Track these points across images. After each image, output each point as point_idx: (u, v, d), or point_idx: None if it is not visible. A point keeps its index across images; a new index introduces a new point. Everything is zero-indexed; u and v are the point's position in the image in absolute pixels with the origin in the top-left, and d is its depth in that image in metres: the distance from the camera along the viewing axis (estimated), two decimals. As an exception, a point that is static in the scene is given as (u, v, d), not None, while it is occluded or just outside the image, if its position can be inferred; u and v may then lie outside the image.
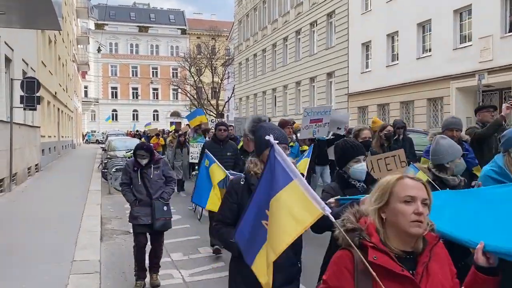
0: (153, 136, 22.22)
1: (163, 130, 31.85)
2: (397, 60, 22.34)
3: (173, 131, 20.87)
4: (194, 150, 11.75)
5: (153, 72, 78.27)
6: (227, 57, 54.74)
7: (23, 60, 15.33)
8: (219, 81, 53.94)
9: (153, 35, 78.96)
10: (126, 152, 16.71)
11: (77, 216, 9.10)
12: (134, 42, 78.11)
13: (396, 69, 22.22)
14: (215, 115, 54.32)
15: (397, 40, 22.31)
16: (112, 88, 76.90)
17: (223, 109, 55.55)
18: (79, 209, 9.90)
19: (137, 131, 37.63)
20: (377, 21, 23.40)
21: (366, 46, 24.98)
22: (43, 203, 10.76)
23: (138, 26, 78.72)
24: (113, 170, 13.90)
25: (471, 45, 17.79)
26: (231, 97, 52.86)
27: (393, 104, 22.52)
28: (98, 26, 72.06)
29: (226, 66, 53.54)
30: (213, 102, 53.88)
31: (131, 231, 6.44)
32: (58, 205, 10.47)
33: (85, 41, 53.21)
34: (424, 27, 20.64)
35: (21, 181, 14.33)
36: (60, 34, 28.34)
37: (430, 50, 20.15)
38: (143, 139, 22.90)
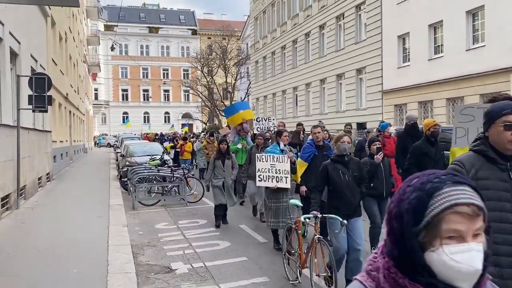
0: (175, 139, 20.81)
1: (193, 133, 30.04)
2: (441, 52, 20.22)
3: (208, 133, 19.11)
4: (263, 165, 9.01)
5: (164, 73, 76.92)
6: (239, 57, 53.05)
7: (31, 56, 13.45)
8: (233, 81, 52.15)
9: (163, 36, 77.61)
10: (151, 160, 14.72)
11: (102, 245, 7.17)
12: (144, 43, 76.76)
13: (440, 62, 20.10)
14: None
15: (441, 30, 20.19)
16: (123, 90, 75.57)
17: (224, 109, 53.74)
18: (103, 234, 7.96)
19: (156, 134, 35.46)
20: (416, 10, 21.30)
21: (403, 38, 22.89)
22: (58, 226, 8.83)
23: (148, 27, 77.37)
24: (136, 180, 11.97)
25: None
26: (245, 97, 51.05)
27: (437, 101, 20.41)
28: (108, 28, 70.46)
29: (240, 65, 51.77)
30: (227, 103, 52.18)
31: (172, 267, 6.43)
32: (77, 228, 8.54)
33: (95, 42, 51.53)
34: (474, 14, 18.53)
35: (30, 194, 12.45)
36: (71, 32, 26.55)
37: (483, 40, 18.02)
38: (169, 146, 21.24)
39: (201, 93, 54.81)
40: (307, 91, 33.06)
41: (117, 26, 64.69)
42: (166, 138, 28.29)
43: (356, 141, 12.33)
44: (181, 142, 19.27)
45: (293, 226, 5.92)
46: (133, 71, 75.41)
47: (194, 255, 7.04)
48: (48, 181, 15.84)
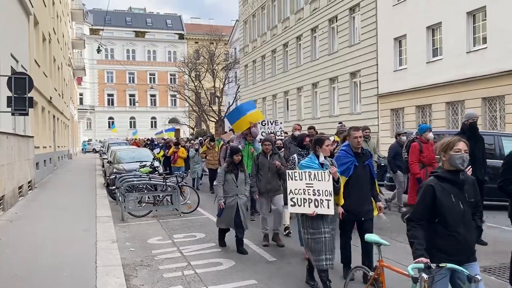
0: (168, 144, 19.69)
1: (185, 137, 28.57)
2: (440, 55, 19.64)
3: (208, 137, 17.99)
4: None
5: (150, 78, 75.94)
6: (227, 62, 52.28)
7: (11, 55, 12.49)
8: (221, 86, 51.35)
9: (150, 40, 76.69)
10: (141, 166, 13.79)
11: (89, 267, 6.27)
12: (131, 47, 75.74)
13: (439, 65, 19.53)
14: (216, 121, 51.78)
15: (440, 32, 19.63)
16: (109, 95, 74.39)
17: (225, 114, 52.99)
18: (90, 253, 7.06)
19: (148, 139, 33.50)
20: (414, 12, 20.75)
21: (399, 41, 22.31)
22: (39, 243, 7.91)
23: (134, 31, 76.35)
24: (125, 189, 11.04)
25: (542, 33, 15.15)
26: (234, 101, 50.30)
27: (436, 105, 19.80)
28: (93, 32, 69.20)
29: (228, 70, 51.05)
30: (214, 107, 51.35)
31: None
32: (61, 246, 7.62)
33: (80, 46, 50.36)
34: (475, 16, 17.99)
35: (10, 205, 11.46)
36: (55, 33, 25.53)
37: (484, 42, 17.47)
38: (160, 154, 20.03)
39: (189, 98, 53.91)
40: (298, 95, 32.38)
41: (102, 30, 63.65)
42: (156, 144, 26.72)
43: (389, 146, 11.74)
44: (173, 148, 17.76)
45: (370, 274, 4.27)
46: (119, 75, 74.27)
47: (195, 277, 6.17)
48: (30, 189, 14.81)
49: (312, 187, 5.29)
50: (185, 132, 65.44)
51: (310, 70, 30.19)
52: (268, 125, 12.20)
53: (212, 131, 56.06)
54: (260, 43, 39.09)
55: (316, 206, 5.26)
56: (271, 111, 36.95)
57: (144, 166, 13.88)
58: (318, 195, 5.26)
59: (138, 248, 7.89)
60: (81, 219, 10.09)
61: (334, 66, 27.34)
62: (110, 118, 73.32)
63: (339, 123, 12.12)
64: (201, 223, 10.03)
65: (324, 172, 5.30)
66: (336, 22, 27.49)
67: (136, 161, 15.89)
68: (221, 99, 52.64)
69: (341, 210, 5.62)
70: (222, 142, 15.68)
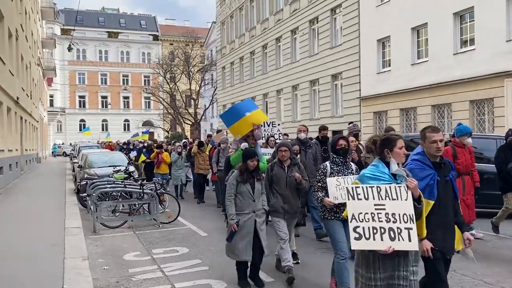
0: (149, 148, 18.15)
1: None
2: (426, 56, 19.17)
3: (195, 139, 17.23)
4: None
5: (123, 79, 74.29)
6: (202, 64, 51.33)
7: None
8: (197, 88, 50.35)
9: (123, 41, 75.11)
10: (115, 172, 12.74)
11: (54, 292, 5.30)
12: (103, 48, 74.00)
13: (425, 67, 19.05)
14: (191, 124, 50.74)
15: (426, 34, 19.16)
16: (80, 96, 72.41)
17: (201, 117, 52.01)
18: (57, 274, 6.06)
19: (125, 143, 30.92)
20: (398, 13, 20.25)
21: (383, 42, 21.80)
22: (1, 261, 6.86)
23: (107, 31, 74.70)
24: (97, 197, 10.01)
25: (533, 34, 14.75)
26: (210, 104, 49.36)
27: (421, 108, 19.32)
28: (65, 32, 67.18)
29: (204, 72, 50.10)
30: (190, 110, 50.32)
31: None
32: (24, 265, 6.59)
33: (51, 45, 48.63)
34: (462, 16, 17.57)
35: (-33, 214, 10.30)
36: (23, 30, 24.15)
37: (472, 43, 17.03)
38: (140, 159, 18.18)
39: (163, 100, 52.72)
40: (278, 97, 31.66)
41: (74, 30, 61.73)
42: (133, 147, 24.60)
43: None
44: (156, 150, 15.78)
45: None
46: (91, 77, 72.43)
47: (182, 303, 5.27)
48: (-9, 197, 13.59)
49: (384, 209, 3.57)
50: (160, 135, 64.13)
51: (290, 72, 29.51)
52: (264, 126, 10.95)
53: (188, 134, 55.06)
54: (238, 45, 38.27)
55: (392, 239, 3.51)
56: (249, 114, 36.08)
57: (118, 171, 12.84)
58: (393, 222, 3.54)
59: (112, 266, 6.92)
60: (48, 231, 9.04)
61: (315, 68, 26.72)
62: (82, 120, 71.39)
63: (350, 123, 10.26)
64: (182, 235, 9.09)
65: (399, 187, 3.61)
66: (317, 23, 26.89)
67: (109, 166, 14.81)
68: (197, 101, 51.67)
69: (428, 244, 3.83)
70: (210, 145, 14.73)
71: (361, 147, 8.54)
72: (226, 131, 12.24)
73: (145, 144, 20.53)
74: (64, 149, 54.34)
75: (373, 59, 22.12)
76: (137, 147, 20.80)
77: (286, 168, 6.23)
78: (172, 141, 24.98)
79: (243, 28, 37.25)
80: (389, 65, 21.36)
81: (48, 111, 57.64)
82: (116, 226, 9.92)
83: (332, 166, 5.31)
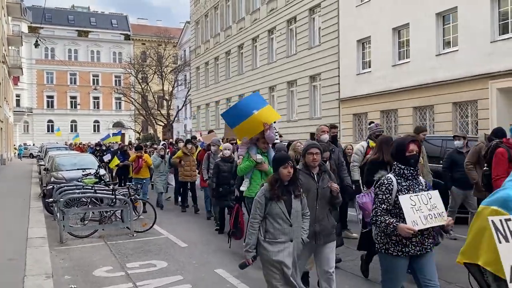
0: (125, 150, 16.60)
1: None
2: (407, 57, 18.81)
3: (179, 140, 15.41)
4: None
5: (94, 79, 72.42)
6: (176, 64, 50.26)
7: None
8: (170, 89, 49.24)
9: (93, 40, 73.42)
10: (84, 175, 11.78)
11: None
12: (73, 47, 72.11)
13: (406, 68, 18.68)
14: (164, 125, 49.61)
15: (407, 34, 18.80)
16: (48, 96, 70.30)
17: (174, 118, 50.94)
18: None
19: (98, 144, 28.71)
20: (379, 13, 19.85)
21: (363, 43, 21.39)
22: None
23: (77, 30, 72.82)
24: (64, 203, 9.07)
25: (518, 35, 14.48)
26: (184, 105, 48.34)
27: (403, 110, 18.94)
28: (32, 29, 65.03)
29: (177, 72, 49.05)
30: (163, 111, 49.18)
31: None
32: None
33: (17, 43, 46.66)
34: (444, 17, 17.25)
35: None
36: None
37: (455, 44, 16.72)
38: (112, 162, 16.04)
39: (135, 101, 51.40)
40: (254, 99, 30.94)
41: (42, 28, 59.86)
42: (106, 149, 22.89)
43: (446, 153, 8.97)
44: (136, 153, 13.28)
45: None
46: (59, 76, 70.40)
47: (163, 332, 4.49)
48: None
49: None
50: (131, 137, 62.66)
51: (267, 73, 28.88)
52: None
53: (160, 135, 53.86)
54: (213, 44, 37.45)
55: None
56: (224, 116, 35.34)
57: (87, 174, 11.89)
58: None
59: (81, 285, 6.07)
60: (7, 241, 8.10)
61: (293, 69, 26.16)
62: (50, 121, 69.32)
63: (370, 123, 8.62)
64: (160, 246, 8.25)
65: None
66: (295, 23, 26.34)
67: (78, 169, 13.83)
68: (170, 102, 50.58)
69: None
70: (200, 148, 13.09)
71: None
72: (228, 131, 10.98)
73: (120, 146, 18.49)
74: (30, 150, 52.34)
75: (353, 60, 21.68)
76: (111, 149, 19.49)
77: (315, 176, 4.73)
78: (149, 143, 22.58)
79: (218, 28, 36.48)
80: (369, 66, 20.94)
81: (14, 111, 55.50)
82: (85, 236, 9.01)
83: (399, 181, 3.93)
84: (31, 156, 48.85)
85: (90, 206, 9.50)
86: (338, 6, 22.52)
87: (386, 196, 3.88)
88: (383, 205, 3.88)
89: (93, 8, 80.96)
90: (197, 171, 12.18)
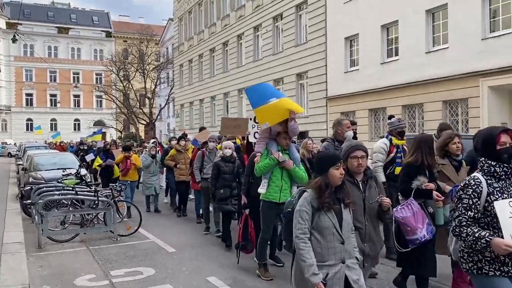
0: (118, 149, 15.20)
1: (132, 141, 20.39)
2: (396, 55, 18.56)
3: (172, 138, 14.14)
4: None
5: (74, 77, 71.18)
6: (158, 62, 49.48)
7: None
8: (153, 87, 48.43)
9: (74, 37, 72.17)
10: (64, 176, 11.17)
11: None
12: (53, 44, 70.75)
13: (395, 66, 18.43)
14: (146, 124, 48.82)
15: (396, 31, 18.55)
16: (27, 94, 68.85)
17: (156, 117, 50.18)
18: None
19: (81, 143, 27.09)
20: (367, 10, 19.56)
21: (351, 40, 21.09)
22: None
23: (57, 27, 71.48)
24: (43, 206, 8.50)
25: (510, 32, 14.25)
26: (166, 103, 47.63)
27: (391, 108, 18.62)
28: (11, 26, 63.48)
29: (160, 70, 48.27)
30: (145, 110, 48.33)
31: None
32: None
33: (-6, 38, 45.54)
34: (434, 14, 17.02)
35: None
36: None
37: (445, 41, 16.50)
38: (95, 162, 14.71)
39: (116, 99, 50.48)
40: (239, 97, 30.48)
41: (20, 24, 58.30)
42: (89, 149, 21.79)
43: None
44: (123, 154, 11.95)
45: None
46: (39, 74, 68.96)
47: None
48: None
49: None
50: (112, 136, 61.66)
51: (252, 71, 28.41)
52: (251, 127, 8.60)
53: (142, 134, 53.05)
54: (197, 42, 36.85)
55: None
56: (209, 114, 34.85)
57: (68, 175, 11.29)
58: None
59: (61, 296, 5.56)
60: (-19, 248, 7.52)
61: (279, 66, 25.75)
62: (29, 119, 67.88)
63: (390, 117, 7.58)
64: (146, 251, 7.75)
65: None
66: (281, 20, 25.93)
67: (58, 168, 13.20)
68: (152, 100, 49.76)
69: None
70: (193, 146, 11.84)
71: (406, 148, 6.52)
72: (225, 129, 9.69)
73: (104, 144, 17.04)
74: (9, 149, 51.03)
75: (341, 58, 21.36)
76: (94, 148, 18.67)
77: (361, 184, 3.92)
78: (137, 142, 20.47)
79: (203, 25, 35.90)
80: (357, 64, 20.66)
81: (-9, 109, 54.20)
82: (66, 240, 8.46)
83: (489, 181, 3.16)
84: (10, 155, 47.64)
85: (70, 209, 8.92)
86: (326, 3, 22.18)
87: (474, 201, 3.09)
88: (469, 212, 3.08)
89: (74, 4, 79.11)
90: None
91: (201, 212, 10.04)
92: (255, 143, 8.26)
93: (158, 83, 49.37)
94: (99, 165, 13.64)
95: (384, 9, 18.67)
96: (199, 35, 36.55)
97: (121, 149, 13.73)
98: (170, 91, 46.02)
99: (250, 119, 8.47)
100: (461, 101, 16.06)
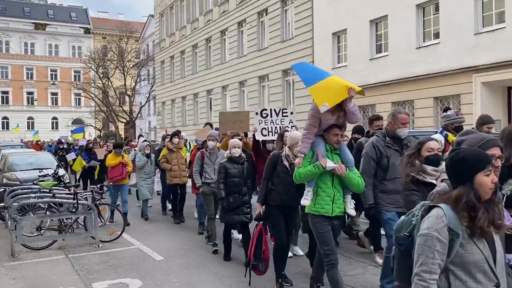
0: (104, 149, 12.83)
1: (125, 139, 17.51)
2: (386, 51, 18.15)
3: (172, 135, 11.30)
4: None
5: (52, 74, 69.46)
6: (138, 59, 48.49)
7: None
8: (133, 84, 47.41)
9: (51, 34, 70.39)
10: (41, 177, 10.41)
11: None
12: (29, 40, 68.81)
13: (385, 62, 18.02)
14: (126, 122, 47.83)
15: (385, 26, 18.14)
16: (3, 92, 66.96)
17: (137, 115, 49.16)
18: None
19: (60, 142, 24.45)
20: (355, 5, 19.09)
21: (338, 36, 20.63)
22: None
23: (33, 23, 69.55)
24: (17, 210, 7.78)
25: (504, 27, 13.92)
26: (147, 101, 46.68)
27: (380, 105, 18.25)
28: (-16, 21, 61.75)
29: (140, 67, 47.26)
30: (125, 108, 47.29)
31: None
32: None
33: (-33, 34, 43.99)
34: (425, 9, 16.65)
35: None
36: None
37: (437, 36, 16.13)
38: (76, 163, 13.39)
39: (95, 97, 49.32)
40: (223, 94, 29.84)
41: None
42: (69, 147, 20.42)
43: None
44: (112, 153, 10.48)
45: None
46: (15, 71, 67.00)
47: None
48: None
49: None
50: (91, 134, 60.35)
51: (236, 67, 27.77)
52: (270, 116, 7.92)
53: (122, 132, 52.04)
54: (179, 38, 36.03)
55: None
56: (192, 111, 34.08)
57: (45, 175, 10.53)
58: None
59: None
60: None
61: (264, 63, 25.16)
62: (4, 118, 66.01)
63: (446, 109, 6.86)
64: (131, 259, 7.09)
65: None
66: (266, 15, 25.36)
67: (35, 169, 12.42)
68: (132, 98, 48.73)
69: None
70: (194, 144, 10.90)
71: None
72: (226, 125, 8.73)
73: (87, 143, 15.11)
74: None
75: (328, 54, 20.89)
76: (76, 147, 17.55)
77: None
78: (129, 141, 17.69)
79: (185, 20, 35.09)
80: (345, 60, 20.21)
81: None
82: (42, 248, 7.75)
83: None
84: (-16, 154, 46.20)
85: (47, 213, 8.20)
86: (312, -3, 21.71)
87: None
88: None
89: (51, 0, 77.12)
90: (186, 171, 10.03)
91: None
92: (264, 141, 7.49)
93: (138, 80, 48.36)
94: (83, 167, 12.34)
95: (373, 4, 18.23)
96: (181, 31, 35.75)
97: (106, 147, 12.45)
98: (151, 88, 45.10)
99: (256, 113, 7.77)
100: (453, 98, 15.73)
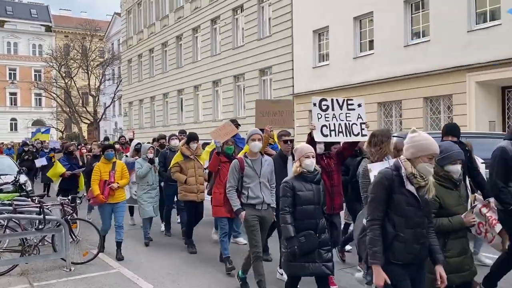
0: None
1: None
2: (371, 49, 17.39)
3: (169, 136, 9.70)
4: None
5: (10, 73, 66.56)
6: (103, 58, 46.58)
7: None
8: (97, 84, 45.45)
9: (10, 31, 67.55)
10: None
11: None
12: (-14, 38, 65.44)
13: (370, 60, 17.26)
14: (89, 123, 45.86)
15: (371, 24, 17.39)
16: (-43, 92, 63.23)
17: (102, 116, 47.18)
18: None
19: (25, 144, 20.00)
20: (338, 1, 18.31)
21: (319, 34, 19.77)
22: None
23: (-10, 20, 66.19)
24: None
25: (499, 24, 13.31)
26: (112, 101, 44.82)
27: (366, 105, 17.22)
28: None
29: (105, 66, 45.36)
30: (89, 108, 45.27)
31: None
32: None
33: None
34: (413, 4, 15.95)
35: None
36: None
37: (426, 34, 15.45)
38: (55, 169, 10.09)
39: (57, 97, 47.08)
40: (195, 94, 28.60)
41: None
42: (38, 150, 18.25)
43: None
44: (104, 162, 7.46)
45: None
46: (-30, 70, 63.72)
47: None
48: None
49: None
50: (53, 136, 57.78)
51: (210, 66, 26.60)
52: (332, 109, 5.74)
53: (85, 134, 50.01)
54: (148, 35, 34.55)
55: None
56: (161, 112, 32.68)
57: (3, 184, 9.10)
58: None
59: None
60: None
61: (240, 62, 24.11)
62: (-41, 119, 62.56)
63: None
64: (110, 286, 5.85)
65: None
66: (242, 12, 24.30)
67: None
68: (96, 98, 46.71)
69: None
70: (214, 145, 7.76)
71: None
72: (262, 120, 6.44)
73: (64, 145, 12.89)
74: None
75: (309, 53, 20.02)
76: (46, 150, 15.47)
77: None
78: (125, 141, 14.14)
79: (154, 17, 33.68)
80: (327, 59, 19.38)
81: None
82: (0, 274, 6.41)
83: None
84: None
85: (7, 231, 6.83)
86: (292, -7, 20.79)
87: None
88: None
89: (9, -4, 73.74)
90: (205, 184, 7.88)
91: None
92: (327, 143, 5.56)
93: (103, 80, 46.42)
94: (61, 176, 9.83)
95: (357, 0, 17.45)
96: (149, 28, 34.27)
97: (87, 151, 10.38)
98: (117, 88, 43.28)
99: (315, 104, 5.68)
100: (444, 98, 15.05)
